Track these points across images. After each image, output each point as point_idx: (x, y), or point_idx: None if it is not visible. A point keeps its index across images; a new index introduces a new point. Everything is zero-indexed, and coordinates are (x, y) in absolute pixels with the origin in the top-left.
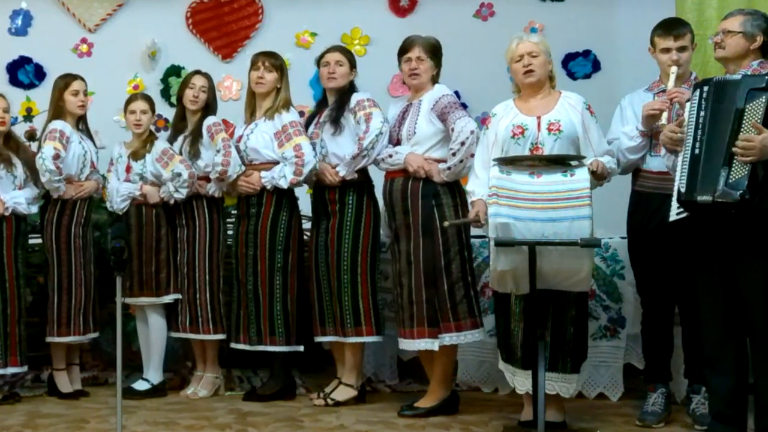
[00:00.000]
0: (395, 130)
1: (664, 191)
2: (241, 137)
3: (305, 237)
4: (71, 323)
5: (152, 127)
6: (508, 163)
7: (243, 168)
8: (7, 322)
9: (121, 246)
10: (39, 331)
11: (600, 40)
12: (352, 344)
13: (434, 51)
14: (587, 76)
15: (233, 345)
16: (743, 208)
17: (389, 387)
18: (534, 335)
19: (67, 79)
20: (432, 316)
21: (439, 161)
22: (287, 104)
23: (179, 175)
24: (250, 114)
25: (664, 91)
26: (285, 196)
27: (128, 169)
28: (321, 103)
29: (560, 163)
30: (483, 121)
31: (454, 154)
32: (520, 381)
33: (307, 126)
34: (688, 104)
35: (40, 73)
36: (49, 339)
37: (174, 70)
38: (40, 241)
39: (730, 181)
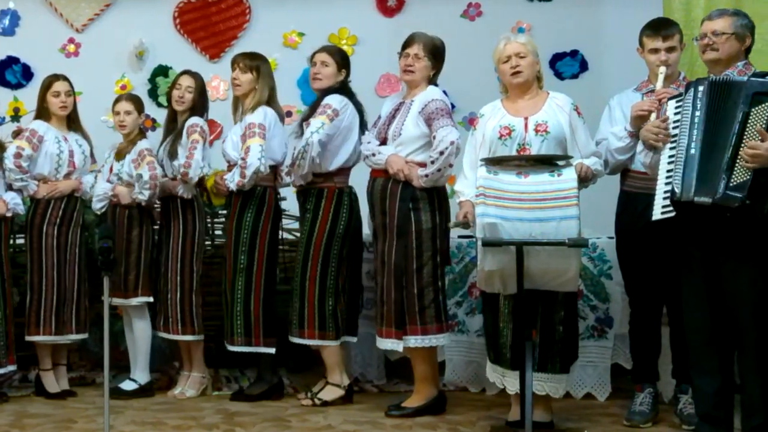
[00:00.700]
0: (384, 128)
1: (653, 192)
2: (224, 139)
3: (294, 236)
4: (41, 323)
5: (141, 127)
6: (495, 163)
7: (205, 171)
8: (5, 321)
9: (109, 246)
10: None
11: (587, 40)
12: (314, 345)
13: (434, 51)
14: (575, 76)
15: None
16: (741, 212)
17: (376, 387)
18: (522, 335)
19: (50, 80)
20: (399, 317)
21: (421, 165)
22: (257, 106)
23: (140, 176)
24: (238, 116)
25: (652, 91)
26: (251, 197)
27: (111, 169)
28: (312, 105)
29: (547, 163)
30: (470, 121)
31: (432, 162)
32: (510, 382)
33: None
34: (672, 102)
35: (27, 73)
36: (26, 338)
37: (161, 70)
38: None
39: (732, 184)
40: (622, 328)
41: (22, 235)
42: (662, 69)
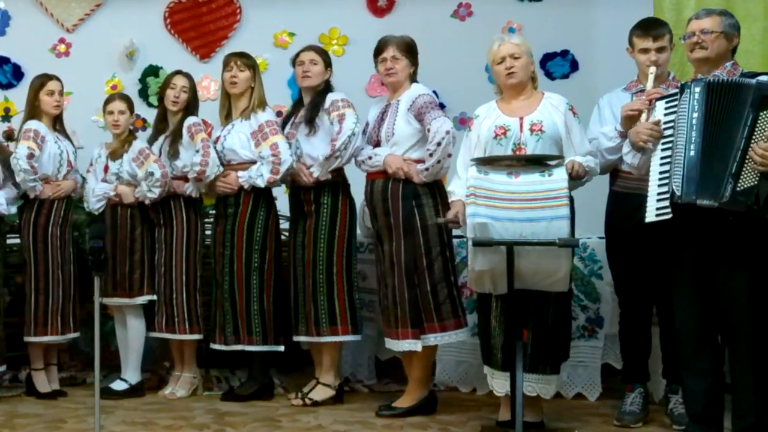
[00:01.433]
0: (375, 131)
1: (643, 192)
2: (218, 138)
3: (283, 237)
4: (48, 323)
5: (131, 127)
6: (485, 163)
7: (221, 168)
8: None
9: (100, 246)
10: (17, 331)
11: (578, 40)
12: (328, 344)
13: (409, 49)
14: (565, 76)
15: (212, 345)
16: (744, 217)
17: (367, 387)
18: (513, 336)
19: (42, 79)
20: (415, 316)
21: (418, 161)
22: (262, 103)
23: (152, 174)
24: (225, 115)
25: (642, 90)
26: (262, 196)
27: (106, 169)
28: (297, 103)
29: (538, 163)
30: (461, 121)
31: (431, 155)
32: (499, 383)
33: (283, 126)
34: (661, 102)
35: (18, 73)
36: (26, 339)
37: (152, 70)
38: (18, 241)
39: (739, 189)
40: (613, 328)
41: (13, 236)
42: (652, 69)
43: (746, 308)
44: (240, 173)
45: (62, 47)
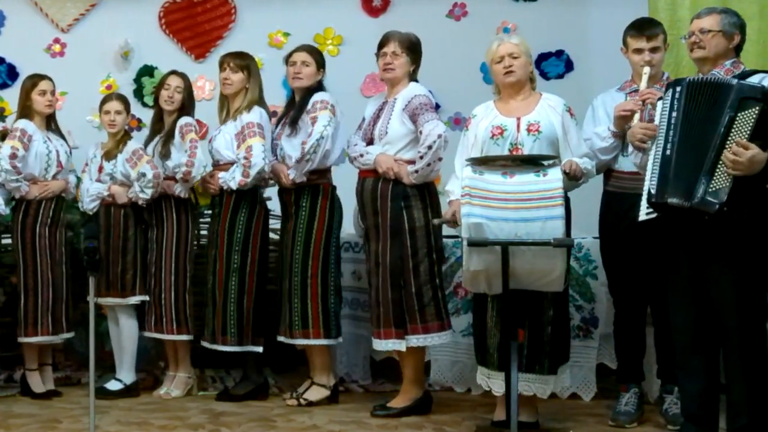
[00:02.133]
0: (369, 129)
1: (637, 191)
2: (212, 138)
3: (275, 236)
4: (38, 323)
5: (126, 127)
6: (480, 163)
7: (207, 169)
8: None
9: (94, 246)
10: (12, 331)
11: (573, 40)
12: (314, 345)
13: (411, 47)
14: (560, 76)
15: (202, 343)
16: (718, 218)
17: (362, 387)
18: (508, 336)
19: (34, 79)
20: (399, 317)
21: (410, 162)
22: (251, 105)
23: (144, 175)
24: (225, 116)
25: (636, 91)
26: (245, 197)
27: (101, 169)
28: (290, 103)
29: (533, 163)
30: (456, 121)
31: (421, 158)
32: (496, 383)
33: (277, 126)
34: (660, 103)
35: (12, 73)
36: (20, 339)
37: (147, 70)
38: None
39: (711, 189)
40: (608, 328)
41: (8, 236)
42: (646, 69)
43: (737, 309)
44: (220, 174)
45: (57, 47)
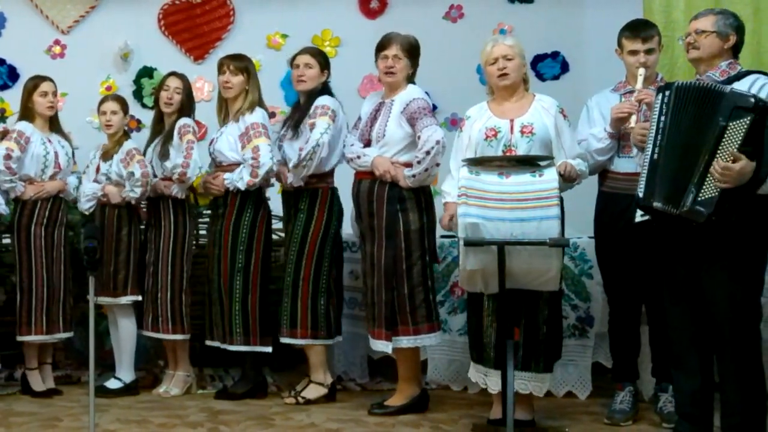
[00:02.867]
0: (366, 130)
1: (631, 192)
2: (212, 140)
3: (278, 237)
4: (32, 323)
5: (125, 128)
6: (476, 163)
7: (203, 170)
8: None
9: (94, 246)
10: (12, 330)
11: (568, 42)
12: (310, 344)
13: (411, 50)
14: (556, 78)
15: (207, 342)
16: (706, 225)
17: (360, 385)
18: (505, 335)
19: (35, 81)
20: (390, 318)
21: (406, 165)
22: (253, 106)
23: (132, 174)
24: (224, 117)
25: (630, 92)
26: (249, 198)
27: (98, 169)
28: (296, 106)
29: (529, 163)
30: (452, 122)
31: (419, 163)
32: (493, 381)
33: (282, 128)
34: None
35: (13, 75)
36: (17, 338)
37: (146, 72)
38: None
39: (699, 198)
40: (603, 327)
41: (8, 235)
42: (641, 70)
43: (730, 310)
44: (225, 175)
45: (57, 49)
